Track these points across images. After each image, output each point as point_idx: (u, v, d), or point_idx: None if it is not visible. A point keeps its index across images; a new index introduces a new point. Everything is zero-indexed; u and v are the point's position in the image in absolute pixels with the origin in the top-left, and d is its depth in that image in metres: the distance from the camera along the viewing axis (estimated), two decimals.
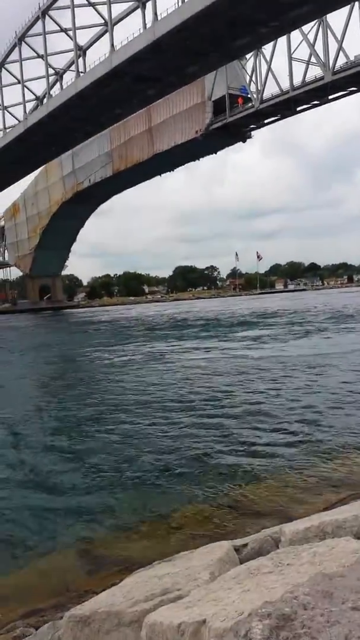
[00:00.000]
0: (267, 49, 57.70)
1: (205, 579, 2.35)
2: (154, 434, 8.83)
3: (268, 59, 58.90)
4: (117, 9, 49.73)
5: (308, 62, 55.84)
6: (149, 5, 45.12)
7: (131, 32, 46.11)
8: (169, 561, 3.06)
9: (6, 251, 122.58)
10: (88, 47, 54.84)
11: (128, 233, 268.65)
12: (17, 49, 63.69)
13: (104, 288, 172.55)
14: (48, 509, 6.09)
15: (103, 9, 50.49)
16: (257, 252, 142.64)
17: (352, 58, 51.88)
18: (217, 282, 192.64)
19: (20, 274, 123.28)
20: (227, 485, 6.29)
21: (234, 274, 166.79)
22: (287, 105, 59.75)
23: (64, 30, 56.81)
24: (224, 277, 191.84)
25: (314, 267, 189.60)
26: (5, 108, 69.37)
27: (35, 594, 4.22)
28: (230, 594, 1.92)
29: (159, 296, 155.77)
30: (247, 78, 63.61)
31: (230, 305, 70.48)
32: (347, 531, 2.63)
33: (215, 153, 76.87)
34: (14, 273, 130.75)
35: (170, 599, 2.18)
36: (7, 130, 68.43)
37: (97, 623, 2.22)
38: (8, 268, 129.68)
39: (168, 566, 2.83)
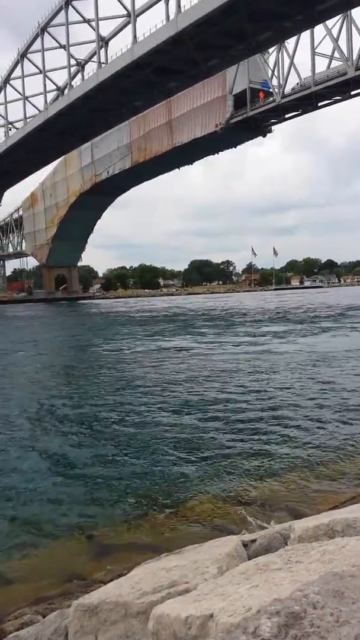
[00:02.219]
0: (290, 43, 57.21)
1: (213, 573, 2.34)
2: (167, 427, 8.85)
3: (291, 53, 58.40)
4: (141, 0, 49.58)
5: (331, 57, 55.29)
6: None
7: (154, 24, 45.96)
8: (177, 554, 3.06)
9: (23, 241, 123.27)
10: (110, 38, 54.79)
11: (145, 225, 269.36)
12: (39, 39, 63.81)
13: (119, 280, 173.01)
14: (58, 496, 6.13)
15: (126, 0, 50.35)
16: (273, 248, 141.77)
17: None
18: (233, 277, 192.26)
19: (37, 263, 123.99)
20: (236, 480, 6.29)
21: (250, 269, 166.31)
22: (308, 100, 59.24)
23: (86, 21, 56.80)
24: (240, 272, 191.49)
25: (330, 264, 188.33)
26: (26, 98, 69.60)
27: (43, 581, 4.25)
28: (238, 589, 1.91)
29: (174, 289, 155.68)
30: (269, 72, 63.14)
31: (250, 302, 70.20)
32: (357, 530, 2.61)
33: (235, 147, 76.57)
34: (31, 263, 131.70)
35: (178, 592, 2.18)
36: (28, 120, 68.65)
37: (104, 613, 2.22)
38: (25, 258, 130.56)
39: (176, 559, 2.83)
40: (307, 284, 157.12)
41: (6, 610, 3.66)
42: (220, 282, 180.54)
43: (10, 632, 3.12)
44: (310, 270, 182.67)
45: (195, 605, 1.85)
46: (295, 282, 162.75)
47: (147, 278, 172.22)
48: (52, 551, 4.87)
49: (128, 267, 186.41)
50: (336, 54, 54.38)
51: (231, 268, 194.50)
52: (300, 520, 3.28)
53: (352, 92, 56.50)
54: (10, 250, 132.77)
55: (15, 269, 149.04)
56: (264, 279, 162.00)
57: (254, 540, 2.98)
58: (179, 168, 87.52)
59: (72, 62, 60.91)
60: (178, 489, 6.14)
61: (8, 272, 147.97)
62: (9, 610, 3.65)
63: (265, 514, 5.24)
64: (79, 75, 60.97)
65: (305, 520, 3.12)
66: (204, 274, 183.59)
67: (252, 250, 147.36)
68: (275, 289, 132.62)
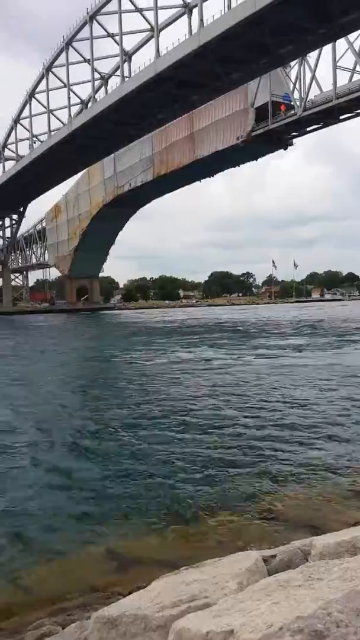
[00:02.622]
0: (311, 56, 57.27)
1: (233, 588, 2.33)
2: (186, 441, 8.82)
3: (312, 66, 58.45)
4: (164, 14, 50.18)
5: (353, 71, 55.27)
6: (195, 11, 45.35)
7: (177, 38, 46.45)
8: (197, 568, 3.05)
9: (46, 252, 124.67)
10: (134, 53, 55.47)
11: (165, 236, 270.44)
12: (64, 53, 64.87)
13: (140, 291, 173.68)
14: (76, 508, 6.14)
15: (150, 15, 50.99)
16: (293, 260, 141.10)
17: None
18: (253, 288, 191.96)
19: (60, 274, 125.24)
20: (256, 494, 6.24)
21: (270, 281, 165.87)
22: (330, 114, 59.13)
23: (110, 35, 57.57)
24: (260, 284, 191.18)
25: (352, 277, 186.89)
26: (51, 111, 70.68)
27: (62, 591, 4.25)
28: (259, 606, 1.90)
29: (194, 301, 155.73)
30: (291, 85, 63.24)
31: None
32: None
33: (256, 160, 76.65)
34: (53, 273, 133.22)
35: (198, 606, 2.17)
36: (52, 133, 69.66)
37: (124, 626, 2.22)
38: (48, 269, 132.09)
39: (195, 573, 2.82)
40: (327, 296, 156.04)
41: (25, 620, 3.67)
42: (241, 294, 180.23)
43: None
44: (331, 283, 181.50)
45: (216, 620, 1.85)
46: (315, 295, 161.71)
47: (168, 289, 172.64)
48: (71, 562, 4.87)
49: (149, 278, 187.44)
50: (358, 68, 54.38)
51: (251, 280, 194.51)
52: (321, 536, 3.25)
53: None
54: (34, 261, 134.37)
55: (38, 279, 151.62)
56: (284, 291, 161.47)
57: (274, 556, 2.96)
58: (200, 180, 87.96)
59: (96, 75, 61.79)
60: (196, 503, 6.11)
61: (31, 283, 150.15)
62: (28, 619, 3.66)
63: (285, 530, 5.19)
64: (103, 89, 61.83)
65: (327, 537, 3.09)
66: (224, 285, 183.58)
67: (273, 262, 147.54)
68: (296, 302, 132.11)
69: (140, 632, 2.16)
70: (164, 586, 2.58)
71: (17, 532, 5.51)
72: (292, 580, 2.19)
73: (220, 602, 2.12)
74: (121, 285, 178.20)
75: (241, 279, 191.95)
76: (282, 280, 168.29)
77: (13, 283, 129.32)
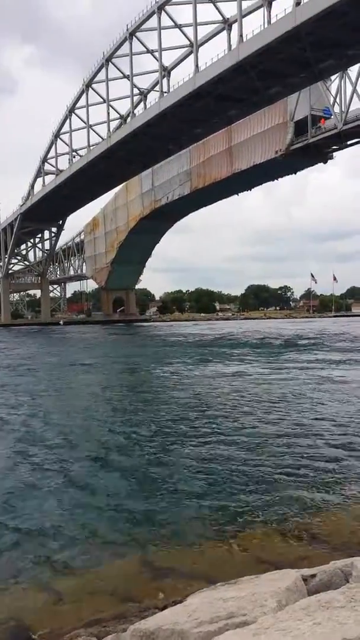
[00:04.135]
0: (352, 70, 56.88)
1: (272, 607, 2.28)
2: (225, 455, 8.74)
3: (354, 80, 58.03)
4: (203, 30, 50.62)
5: None
6: (234, 26, 45.63)
7: (216, 53, 46.76)
8: (234, 584, 3.00)
9: (84, 264, 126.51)
10: (173, 68, 56.05)
11: (202, 249, 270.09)
12: (104, 69, 66.00)
13: (176, 303, 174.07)
14: (115, 519, 6.14)
15: (189, 31, 51.50)
16: (333, 274, 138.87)
17: None
18: (290, 302, 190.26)
19: (96, 286, 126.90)
20: (294, 512, 6.13)
21: (309, 295, 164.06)
22: None
23: (150, 52, 58.31)
24: (298, 297, 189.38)
25: None
26: (90, 126, 71.92)
27: (98, 602, 4.25)
28: (300, 626, 1.85)
29: (230, 314, 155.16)
30: (331, 99, 62.86)
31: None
32: None
33: (295, 173, 76.27)
34: (90, 285, 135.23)
35: (236, 624, 2.13)
36: (91, 148, 70.82)
37: None
38: (85, 280, 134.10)
39: (233, 589, 2.77)
40: None
41: (62, 630, 3.67)
42: (278, 308, 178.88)
43: None
44: None
45: (256, 639, 1.81)
46: (356, 310, 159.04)
47: (204, 302, 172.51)
48: (108, 573, 4.86)
49: (184, 291, 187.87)
50: None
51: (289, 294, 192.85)
52: None
53: None
54: (72, 273, 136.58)
55: (75, 291, 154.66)
56: (323, 305, 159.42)
57: (313, 575, 2.89)
58: (237, 194, 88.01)
59: (135, 91, 62.65)
60: (234, 518, 6.04)
61: (68, 294, 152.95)
62: (65, 630, 3.66)
63: (324, 549, 5.07)
64: (142, 104, 62.62)
65: None
66: (261, 299, 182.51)
67: (312, 276, 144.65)
68: (335, 316, 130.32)
69: None
70: (201, 602, 2.55)
71: (54, 543, 5.54)
72: (334, 601, 2.13)
73: (259, 620, 2.07)
74: (157, 298, 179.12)
75: (278, 292, 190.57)
76: (320, 295, 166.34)
77: (51, 294, 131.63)
